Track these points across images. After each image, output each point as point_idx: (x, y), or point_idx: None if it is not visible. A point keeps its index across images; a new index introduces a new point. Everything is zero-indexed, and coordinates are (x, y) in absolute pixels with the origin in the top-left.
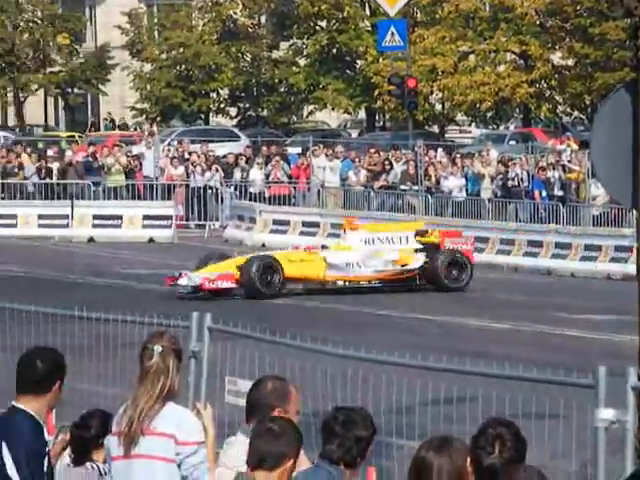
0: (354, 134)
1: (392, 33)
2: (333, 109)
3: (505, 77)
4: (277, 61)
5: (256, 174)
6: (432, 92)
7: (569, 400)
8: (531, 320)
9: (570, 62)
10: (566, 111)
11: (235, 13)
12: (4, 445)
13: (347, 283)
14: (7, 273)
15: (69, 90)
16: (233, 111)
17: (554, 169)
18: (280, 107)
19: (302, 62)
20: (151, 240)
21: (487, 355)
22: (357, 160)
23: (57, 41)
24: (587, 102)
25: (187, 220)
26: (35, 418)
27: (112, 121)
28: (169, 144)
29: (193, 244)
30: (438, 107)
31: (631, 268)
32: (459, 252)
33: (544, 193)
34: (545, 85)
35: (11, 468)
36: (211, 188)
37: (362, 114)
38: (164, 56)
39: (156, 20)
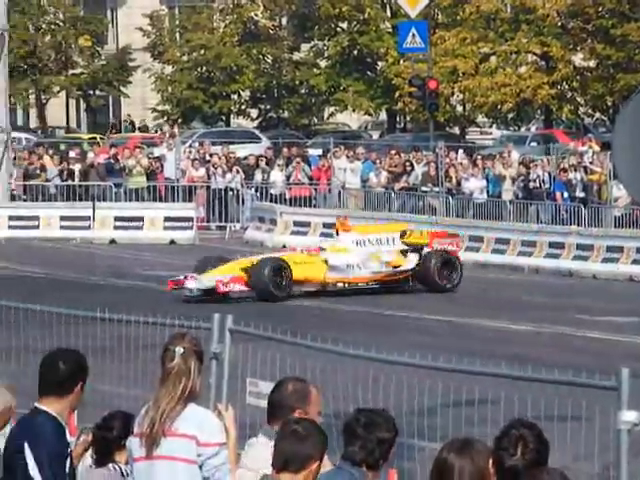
0: (375, 136)
1: (413, 35)
2: (354, 111)
3: (526, 78)
4: (298, 63)
5: (277, 176)
6: (453, 93)
7: (591, 402)
8: (553, 322)
9: (592, 63)
10: (588, 112)
11: (256, 15)
12: (26, 446)
13: (346, 285)
14: (29, 274)
15: (91, 92)
16: (254, 113)
17: (576, 170)
18: (301, 109)
19: (323, 64)
20: (172, 242)
21: (508, 357)
22: (378, 161)
23: (79, 43)
24: (609, 103)
25: (208, 222)
26: (57, 419)
27: (132, 123)
28: (190, 146)
29: (214, 245)
30: (459, 109)
31: None
32: (449, 252)
33: (565, 195)
34: (566, 86)
35: (33, 469)
36: (232, 190)
37: (383, 116)
38: (185, 58)
39: (177, 22)
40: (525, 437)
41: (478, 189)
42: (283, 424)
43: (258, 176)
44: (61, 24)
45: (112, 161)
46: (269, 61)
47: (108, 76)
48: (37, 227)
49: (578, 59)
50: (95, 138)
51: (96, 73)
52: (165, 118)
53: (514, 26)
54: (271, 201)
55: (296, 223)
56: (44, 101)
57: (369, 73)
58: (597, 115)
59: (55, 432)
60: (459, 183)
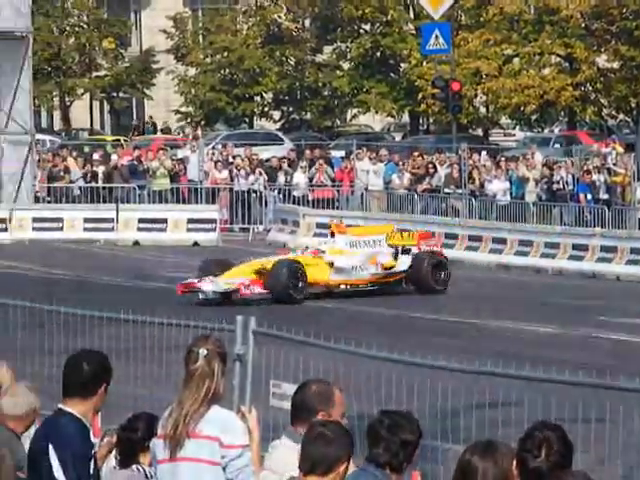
0: (398, 137)
1: (436, 36)
2: (377, 112)
3: (550, 80)
4: (321, 65)
5: (300, 177)
6: (476, 95)
7: (616, 404)
8: (576, 324)
9: (615, 65)
10: (611, 114)
11: (279, 17)
12: (51, 447)
13: (348, 287)
14: (53, 276)
15: (114, 94)
16: (277, 115)
17: (599, 172)
18: (324, 110)
19: (346, 66)
20: (195, 244)
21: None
22: (401, 163)
23: (103, 45)
24: (632, 105)
25: (231, 223)
26: (81, 421)
27: (154, 125)
28: (213, 148)
29: (237, 247)
30: (482, 110)
31: None
32: (437, 253)
33: (589, 196)
34: (590, 88)
35: (58, 470)
36: (255, 192)
37: (406, 117)
38: (208, 60)
39: (201, 24)
40: (549, 439)
41: (501, 191)
42: (310, 427)
43: (281, 178)
44: (85, 26)
45: (136, 163)
46: (292, 63)
47: (132, 78)
48: (61, 229)
49: (602, 60)
50: (119, 140)
51: (120, 75)
52: (188, 120)
53: (538, 27)
54: (294, 203)
55: (319, 225)
56: (68, 103)
57: (392, 75)
58: (621, 116)
59: (79, 433)
60: (482, 185)
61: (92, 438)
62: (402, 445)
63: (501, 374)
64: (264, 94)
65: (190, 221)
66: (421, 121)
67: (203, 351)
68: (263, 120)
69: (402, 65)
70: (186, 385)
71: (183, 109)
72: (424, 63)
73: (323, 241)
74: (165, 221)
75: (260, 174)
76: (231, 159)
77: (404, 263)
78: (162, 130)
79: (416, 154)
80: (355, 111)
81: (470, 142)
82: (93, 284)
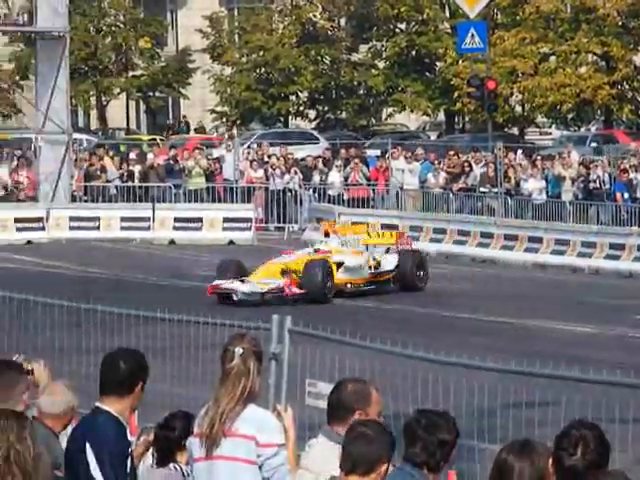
0: (433, 136)
1: (472, 35)
2: (412, 111)
3: (586, 79)
4: (356, 64)
5: (335, 176)
6: (512, 94)
7: None
8: (613, 323)
9: None
10: None
11: (315, 16)
12: (88, 446)
13: (351, 286)
14: (89, 275)
15: (150, 94)
16: (312, 114)
17: (636, 171)
18: (359, 109)
19: (381, 64)
20: (231, 242)
21: (568, 359)
22: (436, 162)
23: (139, 45)
24: None
25: (266, 222)
26: (118, 419)
27: (187, 124)
28: (249, 147)
29: (272, 246)
30: (518, 109)
31: None
32: (416, 252)
33: (626, 195)
34: (627, 86)
35: (95, 469)
36: (290, 190)
37: (441, 116)
38: (244, 59)
39: (237, 23)
40: (586, 437)
41: (537, 190)
42: (351, 427)
43: (316, 177)
44: (121, 26)
45: (171, 162)
46: (327, 62)
47: (168, 78)
48: (97, 228)
49: (639, 59)
50: (155, 139)
51: (156, 75)
52: (224, 119)
53: (574, 26)
54: (329, 202)
55: (354, 224)
56: (104, 103)
57: (427, 74)
58: None
59: (116, 432)
60: (518, 184)
61: (129, 436)
62: (439, 445)
63: (538, 374)
64: (299, 93)
65: (225, 220)
66: (456, 120)
67: (239, 350)
68: (298, 119)
69: (438, 64)
70: (222, 384)
71: (219, 108)
72: (460, 62)
73: (318, 240)
74: (201, 220)
75: (295, 173)
76: (266, 158)
77: (391, 262)
78: (196, 129)
79: (451, 153)
80: (390, 110)
81: (506, 141)
82: (129, 283)
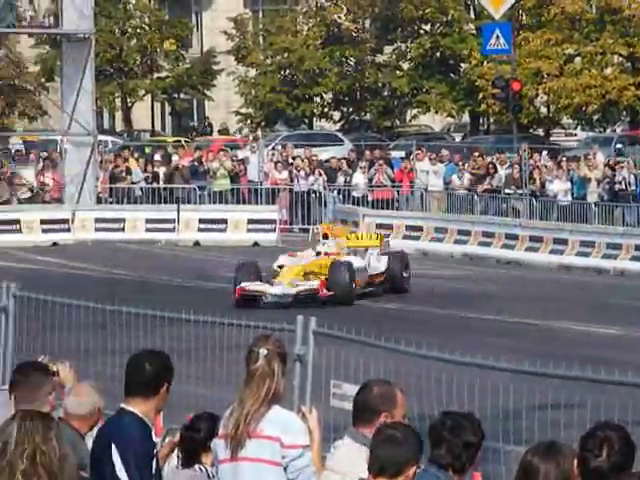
0: (458, 138)
1: (497, 36)
2: (436, 113)
3: (612, 80)
4: (381, 65)
5: (359, 178)
6: (537, 95)
7: None
8: (639, 325)
9: None
10: None
11: (339, 18)
12: (113, 447)
13: (356, 287)
14: (115, 276)
15: (175, 95)
16: (336, 115)
17: None
18: (383, 111)
19: (406, 66)
20: (256, 244)
21: (594, 360)
22: (461, 164)
23: (164, 47)
24: None
25: (291, 224)
26: (143, 420)
27: (210, 125)
28: (273, 148)
29: (297, 248)
30: (543, 110)
31: None
32: (401, 253)
33: None
34: None
35: (120, 470)
36: (314, 192)
37: (466, 117)
38: (269, 61)
39: (261, 25)
40: (611, 439)
41: (562, 191)
42: (378, 429)
43: (340, 178)
44: (147, 28)
45: (196, 164)
46: (352, 63)
47: (193, 79)
48: (123, 229)
49: None
50: (180, 141)
51: (181, 76)
52: (248, 121)
53: (599, 27)
54: (353, 203)
55: (378, 225)
56: (130, 104)
57: (452, 75)
58: None
59: (142, 433)
60: (543, 185)
61: (154, 437)
62: (464, 447)
63: (564, 375)
64: (324, 95)
65: (250, 221)
66: (481, 121)
67: (263, 351)
68: (323, 121)
69: (462, 65)
70: (247, 385)
71: (243, 110)
72: (484, 63)
73: (321, 243)
74: (225, 222)
75: (320, 175)
76: (291, 160)
77: (383, 264)
78: (220, 131)
79: (476, 154)
80: (415, 111)
81: (531, 142)
82: (154, 284)
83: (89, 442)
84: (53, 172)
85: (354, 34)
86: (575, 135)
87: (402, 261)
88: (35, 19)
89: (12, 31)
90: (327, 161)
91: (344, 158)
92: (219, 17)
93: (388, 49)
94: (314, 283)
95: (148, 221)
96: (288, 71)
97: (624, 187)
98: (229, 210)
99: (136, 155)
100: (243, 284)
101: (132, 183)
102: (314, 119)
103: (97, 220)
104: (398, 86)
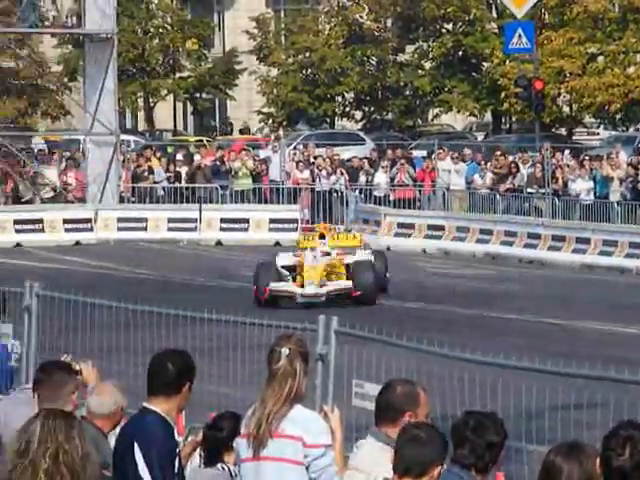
0: (480, 137)
1: (519, 35)
2: (459, 112)
3: (635, 79)
4: (402, 64)
5: (381, 177)
6: (559, 94)
7: None
8: None
9: None
10: None
11: (361, 17)
12: (136, 446)
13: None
14: (137, 276)
15: (197, 95)
16: (358, 115)
17: None
18: (405, 110)
19: (428, 65)
20: (277, 243)
21: (617, 360)
22: (483, 163)
23: (186, 46)
24: None
25: (312, 223)
26: (166, 419)
27: (230, 125)
28: (295, 148)
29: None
30: (566, 109)
31: None
32: (380, 252)
33: None
34: None
35: (143, 469)
36: (336, 191)
37: (488, 117)
38: (290, 60)
39: (283, 25)
40: (634, 438)
41: (585, 190)
42: (403, 429)
43: (362, 178)
44: (169, 28)
45: (218, 163)
46: (373, 63)
47: (215, 79)
48: (145, 229)
49: None
50: (202, 141)
51: (203, 76)
52: (270, 121)
53: (622, 26)
54: (375, 203)
55: (400, 225)
56: (152, 104)
57: (474, 74)
58: None
59: (164, 432)
60: (565, 184)
61: (176, 436)
62: (487, 446)
63: (586, 375)
64: (345, 94)
65: (272, 221)
66: (503, 120)
67: (285, 350)
68: (344, 120)
69: (484, 64)
70: (269, 384)
71: (265, 110)
72: (507, 62)
73: (321, 243)
74: (247, 221)
75: (341, 174)
76: (312, 159)
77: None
78: (241, 130)
79: (498, 153)
80: (437, 110)
81: (553, 141)
82: (177, 284)
83: (112, 441)
84: (76, 172)
85: (376, 33)
86: (597, 134)
87: (385, 262)
88: (58, 19)
89: (35, 31)
90: (349, 160)
91: (366, 157)
92: (241, 17)
93: (410, 48)
94: (346, 283)
95: (170, 220)
96: (310, 70)
97: None
98: (251, 210)
99: (158, 155)
100: (272, 284)
101: (154, 182)
102: (336, 118)
103: (119, 219)
104: (420, 85)
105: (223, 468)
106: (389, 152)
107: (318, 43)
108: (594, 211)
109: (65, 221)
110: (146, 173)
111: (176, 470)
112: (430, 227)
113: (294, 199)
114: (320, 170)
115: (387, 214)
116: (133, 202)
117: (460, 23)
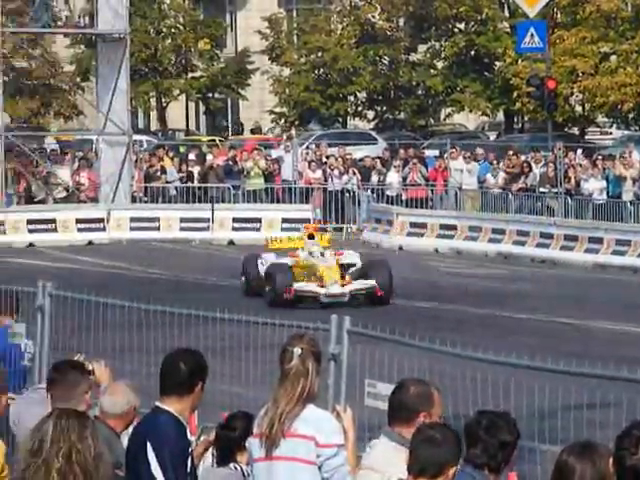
0: (492, 136)
1: (532, 34)
2: (471, 111)
3: None
4: (415, 64)
5: (393, 177)
6: (572, 93)
7: None
8: None
9: None
10: None
11: (373, 17)
12: (149, 445)
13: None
14: (149, 275)
15: (210, 95)
16: (370, 114)
17: None
18: (417, 110)
19: (440, 64)
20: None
21: (630, 360)
22: (495, 162)
23: (198, 46)
24: None
25: (325, 223)
26: (178, 419)
27: (240, 124)
28: (307, 147)
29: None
30: (578, 109)
31: None
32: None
33: None
34: None
35: (155, 468)
36: (348, 191)
37: (500, 116)
38: (303, 60)
39: (295, 24)
40: None
41: (598, 190)
42: (418, 430)
43: (374, 177)
44: (181, 28)
45: (230, 163)
46: (386, 62)
47: (227, 79)
48: (157, 229)
49: None
50: (214, 140)
51: (215, 76)
52: (282, 120)
53: (635, 25)
54: (387, 202)
55: (412, 224)
56: (164, 104)
57: (486, 73)
58: None
59: (177, 431)
60: (578, 184)
61: (189, 436)
62: (500, 446)
63: (598, 375)
64: (358, 94)
65: (284, 221)
66: (516, 120)
67: (297, 350)
68: (357, 120)
69: (497, 63)
70: (281, 384)
71: (277, 109)
72: (519, 61)
73: (310, 243)
74: (259, 221)
75: (354, 174)
76: (325, 159)
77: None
78: (252, 130)
79: (511, 153)
80: (449, 110)
81: (566, 141)
82: (189, 283)
83: (125, 441)
84: (88, 172)
85: (388, 33)
86: (610, 133)
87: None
88: (70, 19)
89: (48, 31)
90: (361, 160)
91: (378, 157)
92: (253, 17)
93: (422, 48)
94: (369, 282)
95: (182, 220)
96: (322, 70)
97: None
98: (263, 209)
99: (171, 154)
100: (296, 285)
101: (167, 182)
102: (348, 118)
103: (132, 219)
104: (432, 85)
105: (236, 468)
106: (401, 152)
107: (330, 43)
108: (607, 211)
109: (78, 221)
110: (158, 173)
111: (189, 470)
112: (442, 227)
113: (306, 199)
114: (332, 170)
115: (399, 214)
116: (145, 202)
117: (472, 22)
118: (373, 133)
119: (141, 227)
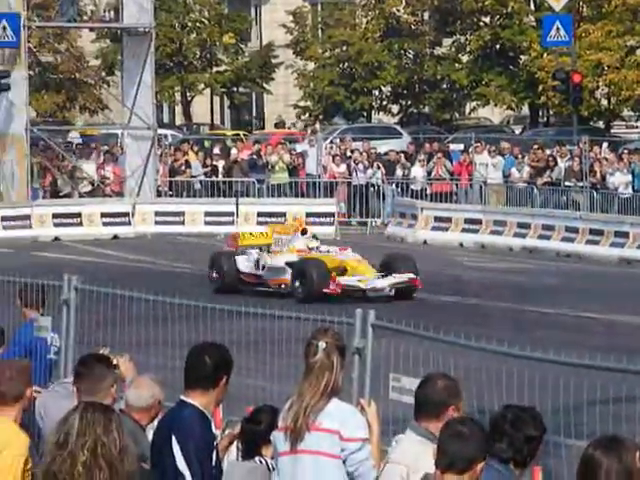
0: (517, 130)
1: (557, 28)
2: (496, 105)
3: None
4: (440, 57)
5: (418, 171)
6: (598, 87)
7: None
8: None
9: None
10: None
11: (398, 10)
12: (174, 439)
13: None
14: (174, 269)
15: (234, 89)
16: (395, 108)
17: None
18: (442, 104)
19: (465, 58)
20: (314, 237)
21: None
22: (520, 156)
23: (223, 41)
24: None
25: (349, 217)
26: (203, 412)
27: (262, 119)
28: (331, 142)
29: (355, 241)
30: (604, 102)
31: None
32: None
33: None
34: None
35: (180, 461)
36: (373, 185)
37: (525, 110)
38: (327, 54)
39: (320, 18)
40: None
41: (623, 184)
42: (446, 424)
43: (399, 171)
44: (206, 22)
45: (255, 157)
46: (410, 56)
47: (251, 73)
48: (182, 223)
49: None
50: (238, 135)
51: (240, 70)
52: (307, 114)
53: None
54: (412, 197)
55: (437, 219)
56: (189, 98)
57: (511, 67)
58: None
59: (202, 425)
60: (604, 178)
61: (214, 430)
62: (526, 441)
63: (625, 369)
64: (382, 88)
65: (308, 215)
66: (541, 113)
67: (322, 344)
68: (381, 114)
69: (522, 57)
70: (306, 378)
71: (302, 103)
72: (544, 55)
73: (308, 238)
74: (284, 215)
75: (378, 168)
76: (349, 153)
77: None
78: (276, 124)
79: (536, 147)
80: (474, 104)
81: (591, 134)
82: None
83: (150, 434)
84: (114, 166)
85: (413, 27)
86: (636, 127)
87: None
88: (96, 13)
89: (73, 25)
90: (386, 154)
91: (403, 151)
92: (278, 10)
93: (447, 41)
94: (410, 276)
95: (207, 214)
96: (347, 64)
97: None
98: (287, 203)
99: (195, 149)
100: (341, 279)
101: (191, 176)
102: (372, 112)
103: (157, 213)
104: (457, 79)
105: (261, 461)
106: (426, 146)
107: (355, 37)
108: (632, 204)
109: (103, 215)
110: (183, 167)
111: (214, 463)
112: (467, 221)
113: (331, 193)
114: (357, 164)
115: (424, 208)
116: (170, 196)
117: (497, 16)
118: (398, 127)
119: (166, 221)
